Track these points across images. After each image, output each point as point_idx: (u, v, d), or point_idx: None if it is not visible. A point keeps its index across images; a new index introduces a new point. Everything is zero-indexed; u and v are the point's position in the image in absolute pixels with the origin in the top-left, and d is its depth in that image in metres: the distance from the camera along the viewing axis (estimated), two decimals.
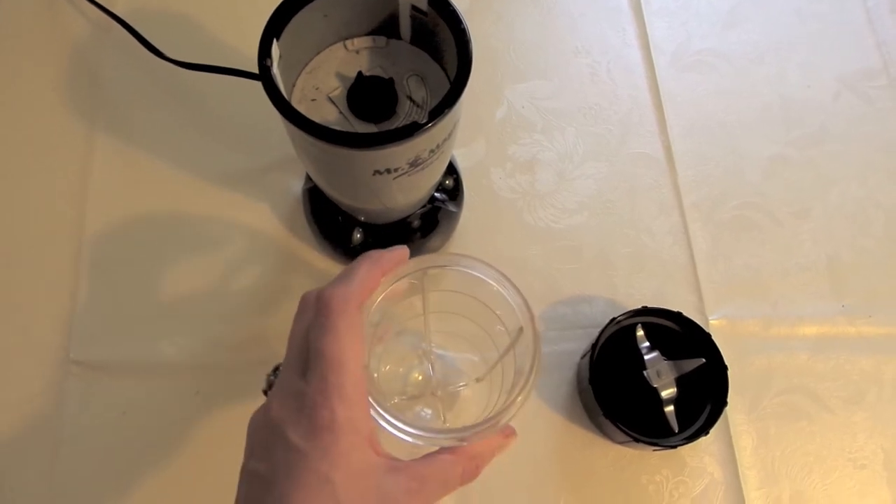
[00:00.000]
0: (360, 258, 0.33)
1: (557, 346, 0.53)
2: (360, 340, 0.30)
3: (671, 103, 0.61)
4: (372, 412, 0.31)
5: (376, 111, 0.41)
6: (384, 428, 0.31)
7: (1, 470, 0.48)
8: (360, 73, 0.40)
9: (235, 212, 0.55)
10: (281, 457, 0.28)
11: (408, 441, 0.31)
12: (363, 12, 0.41)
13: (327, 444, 0.28)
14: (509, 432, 0.34)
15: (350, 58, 0.43)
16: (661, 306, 0.49)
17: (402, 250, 0.35)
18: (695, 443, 0.46)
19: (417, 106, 0.41)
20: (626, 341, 0.49)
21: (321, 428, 0.28)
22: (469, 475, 0.31)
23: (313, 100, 0.41)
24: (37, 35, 0.61)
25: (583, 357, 0.51)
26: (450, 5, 0.38)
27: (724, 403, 0.46)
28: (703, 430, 0.46)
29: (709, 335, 0.48)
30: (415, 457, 0.31)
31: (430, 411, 0.46)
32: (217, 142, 0.58)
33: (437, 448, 0.32)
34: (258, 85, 0.37)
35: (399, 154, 0.36)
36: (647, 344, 0.49)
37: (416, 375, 0.46)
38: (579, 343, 0.53)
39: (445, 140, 0.39)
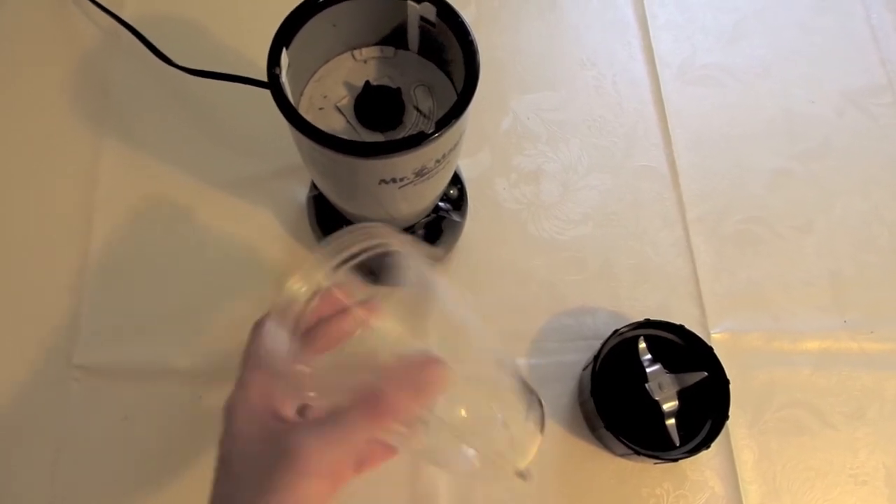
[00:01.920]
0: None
1: (560, 357, 0.53)
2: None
3: (676, 117, 0.61)
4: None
5: (383, 120, 0.41)
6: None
7: (3, 474, 0.48)
8: (367, 83, 0.41)
9: (240, 218, 0.56)
10: None
11: None
12: (372, 22, 0.41)
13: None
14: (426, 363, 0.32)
15: (358, 67, 0.43)
16: (664, 319, 0.49)
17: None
18: (696, 456, 0.46)
19: (424, 116, 0.42)
20: (628, 354, 0.49)
21: (237, 384, 0.33)
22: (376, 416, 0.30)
23: (321, 108, 0.42)
24: (47, 40, 0.61)
25: (585, 368, 0.51)
26: (458, 16, 0.38)
27: (726, 417, 0.46)
28: (705, 443, 0.46)
29: (711, 349, 0.48)
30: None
31: None
32: (223, 148, 0.58)
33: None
34: (265, 93, 0.37)
35: (405, 163, 0.37)
36: (649, 356, 0.49)
37: None
38: (581, 354, 0.53)
39: (451, 150, 0.39)
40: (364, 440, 0.30)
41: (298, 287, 0.32)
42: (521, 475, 0.36)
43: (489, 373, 0.38)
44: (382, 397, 0.30)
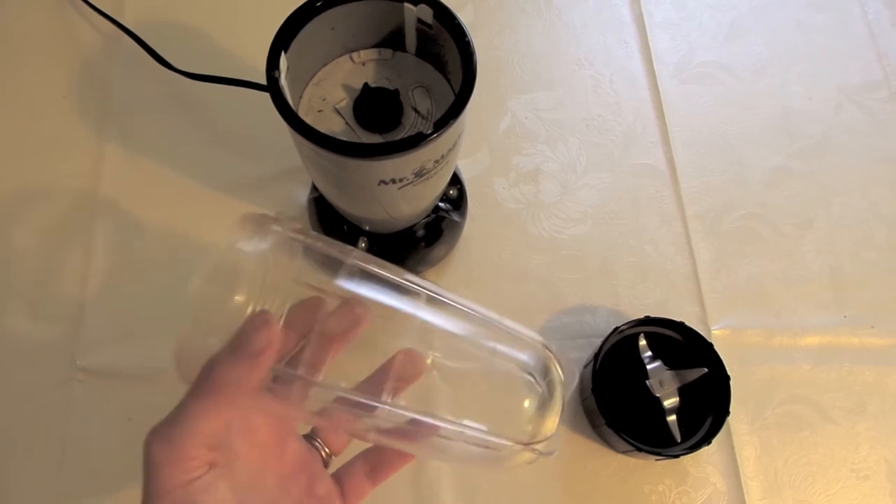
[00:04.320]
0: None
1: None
2: None
3: (674, 115, 0.62)
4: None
5: (382, 122, 0.41)
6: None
7: (8, 476, 0.49)
8: (366, 85, 0.41)
9: None
10: None
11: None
12: (370, 25, 0.42)
13: None
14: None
15: (356, 70, 0.43)
16: (664, 316, 0.49)
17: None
18: (697, 452, 0.46)
19: (422, 117, 0.42)
20: (628, 351, 0.49)
21: None
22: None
23: (320, 111, 0.42)
24: (48, 45, 0.61)
25: (585, 366, 0.52)
26: (455, 18, 0.39)
27: (727, 413, 0.46)
28: (706, 439, 0.46)
29: (711, 345, 0.48)
30: None
31: None
32: (224, 151, 0.58)
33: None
34: (265, 95, 0.37)
35: (404, 164, 0.37)
36: (649, 353, 0.49)
37: None
38: (582, 352, 0.53)
39: (450, 150, 0.39)
40: (218, 418, 0.29)
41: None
42: (543, 452, 0.33)
43: (504, 353, 0.35)
44: (207, 371, 0.29)
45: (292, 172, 0.57)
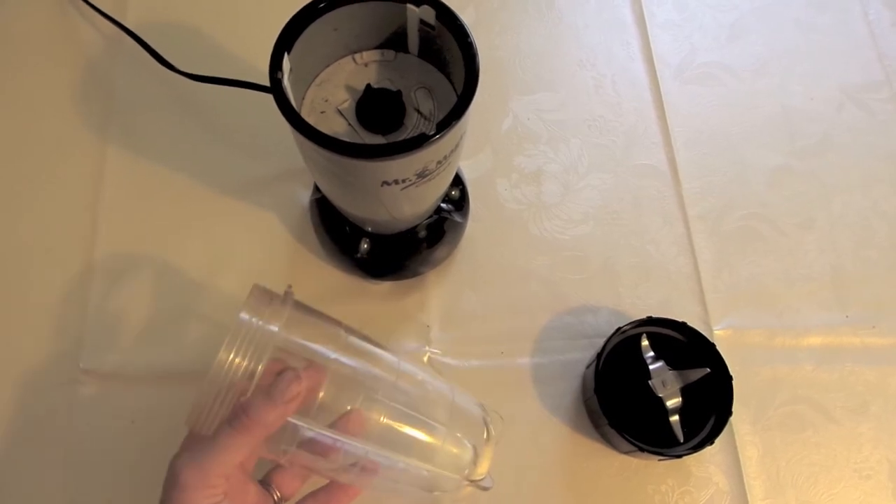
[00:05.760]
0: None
1: (563, 356, 0.53)
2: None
3: (675, 115, 0.62)
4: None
5: (385, 123, 0.41)
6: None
7: (15, 478, 0.49)
8: (368, 86, 0.41)
9: (244, 221, 0.56)
10: None
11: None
12: (372, 26, 0.42)
13: None
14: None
15: (359, 71, 0.43)
16: (666, 316, 0.49)
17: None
18: (700, 453, 0.46)
19: (425, 118, 0.42)
20: (631, 351, 0.49)
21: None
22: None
23: (322, 112, 0.42)
24: (49, 46, 0.61)
25: (588, 367, 0.52)
26: (457, 19, 0.39)
27: (729, 413, 0.46)
28: (709, 439, 0.46)
29: (713, 345, 0.48)
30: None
31: None
32: (226, 152, 0.58)
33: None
34: (267, 97, 0.37)
35: (407, 165, 0.37)
36: (652, 354, 0.49)
37: None
38: (584, 353, 0.53)
39: (452, 151, 0.39)
40: (243, 452, 0.34)
41: (237, 363, 0.34)
42: (481, 486, 0.40)
43: (439, 400, 0.41)
44: (244, 411, 0.33)
45: (294, 173, 0.57)
